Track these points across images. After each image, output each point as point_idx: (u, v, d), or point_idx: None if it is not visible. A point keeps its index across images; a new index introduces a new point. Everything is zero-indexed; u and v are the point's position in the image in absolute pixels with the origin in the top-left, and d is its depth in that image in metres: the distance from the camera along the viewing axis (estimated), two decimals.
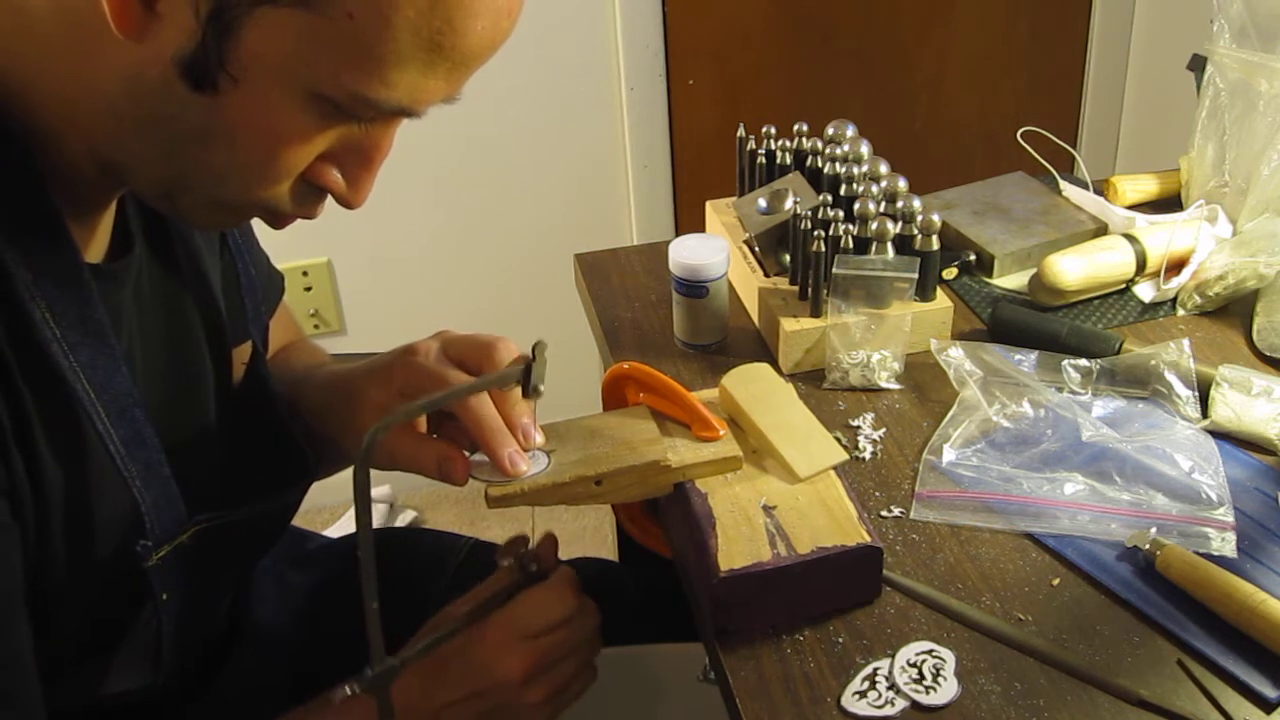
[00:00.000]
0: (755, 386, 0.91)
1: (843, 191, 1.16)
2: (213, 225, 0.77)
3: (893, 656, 0.77)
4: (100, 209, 0.72)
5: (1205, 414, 0.98)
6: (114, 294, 0.72)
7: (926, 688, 0.75)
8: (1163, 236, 1.19)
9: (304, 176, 0.66)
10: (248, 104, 0.59)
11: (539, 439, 0.80)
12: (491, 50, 0.62)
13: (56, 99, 0.62)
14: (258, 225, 0.80)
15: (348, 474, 0.84)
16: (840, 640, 0.79)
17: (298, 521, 0.97)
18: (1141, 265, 1.17)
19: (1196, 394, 0.99)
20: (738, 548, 0.78)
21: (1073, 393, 1.02)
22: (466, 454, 0.79)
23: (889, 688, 0.75)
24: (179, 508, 0.73)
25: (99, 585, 0.71)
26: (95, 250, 0.72)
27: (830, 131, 1.22)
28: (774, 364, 1.08)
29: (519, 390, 0.80)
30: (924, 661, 0.77)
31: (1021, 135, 1.35)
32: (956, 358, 1.04)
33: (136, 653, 0.76)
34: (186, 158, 0.63)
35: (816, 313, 1.09)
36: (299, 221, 0.70)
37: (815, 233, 1.06)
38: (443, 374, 0.79)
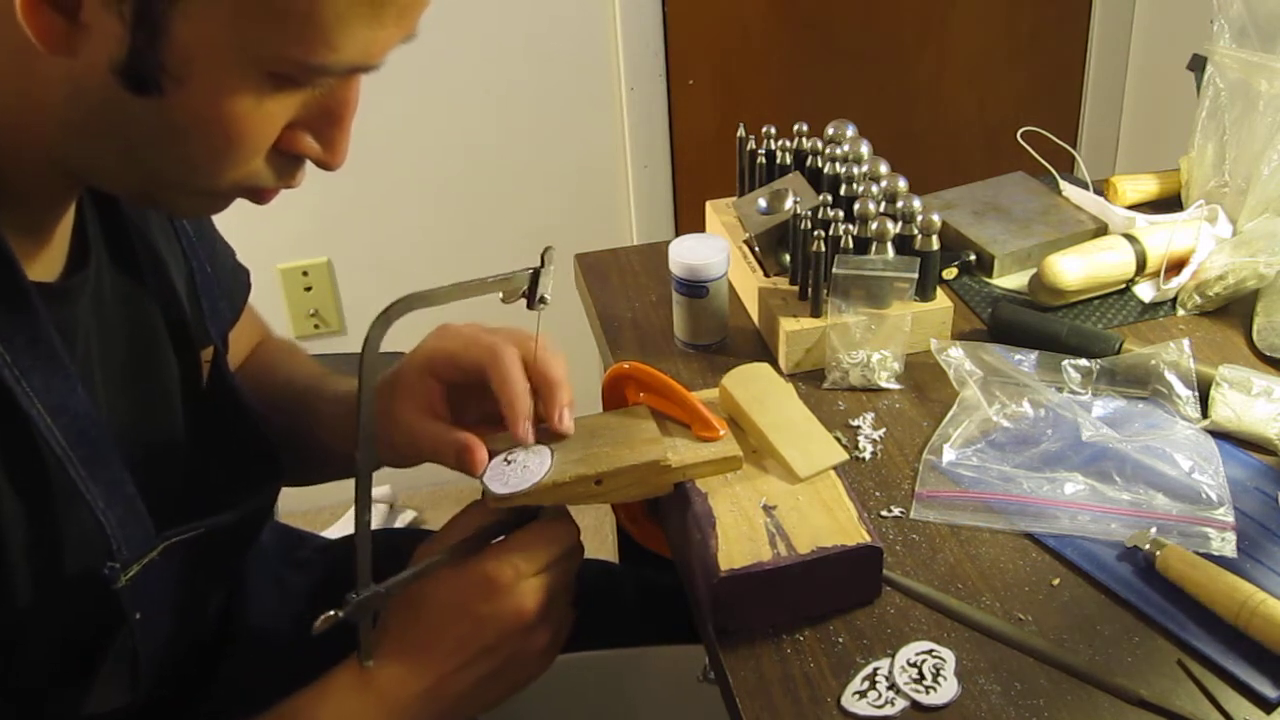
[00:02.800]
0: (755, 386, 0.91)
1: (843, 191, 1.16)
2: (199, 213, 0.76)
3: (893, 656, 0.77)
4: (52, 224, 0.69)
5: (1205, 414, 0.98)
6: (67, 311, 0.69)
7: (926, 688, 0.75)
8: (1163, 236, 1.19)
9: (277, 148, 0.63)
10: (197, 98, 0.57)
11: (569, 424, 0.80)
12: None
13: (4, 116, 0.60)
14: (235, 220, 0.78)
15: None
16: (840, 640, 0.79)
17: (297, 523, 0.97)
18: (1141, 265, 1.17)
19: (1196, 394, 0.99)
20: (738, 548, 0.78)
21: (1073, 393, 1.02)
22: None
23: (889, 688, 0.75)
24: (146, 525, 0.71)
25: (68, 610, 0.69)
26: (50, 266, 0.70)
27: (830, 131, 1.22)
28: (774, 364, 1.08)
29: (563, 382, 0.79)
30: (924, 661, 0.77)
31: (1021, 135, 1.35)
32: (956, 358, 1.04)
33: (114, 673, 0.74)
34: (151, 158, 0.61)
35: (816, 313, 1.09)
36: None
37: (815, 233, 1.06)
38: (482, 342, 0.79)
